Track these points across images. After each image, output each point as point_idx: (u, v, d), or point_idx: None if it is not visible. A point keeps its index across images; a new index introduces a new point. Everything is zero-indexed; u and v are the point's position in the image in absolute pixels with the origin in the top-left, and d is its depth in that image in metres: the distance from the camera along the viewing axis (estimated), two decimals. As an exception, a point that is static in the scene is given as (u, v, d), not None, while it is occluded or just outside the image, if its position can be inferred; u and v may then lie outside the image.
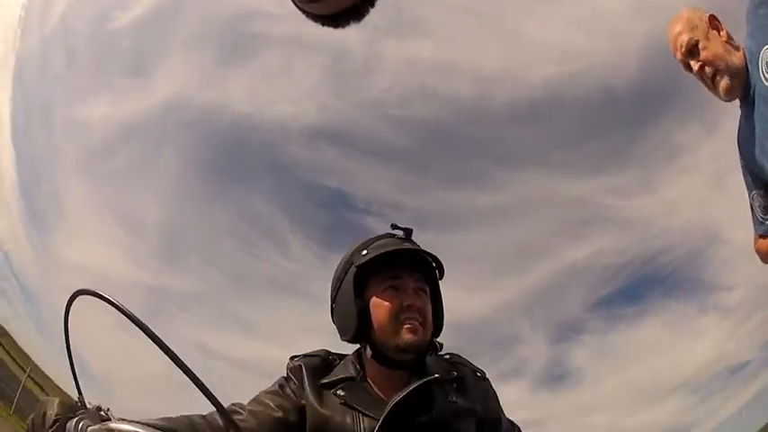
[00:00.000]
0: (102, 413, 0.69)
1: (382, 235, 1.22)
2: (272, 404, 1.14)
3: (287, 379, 1.21)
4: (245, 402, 1.15)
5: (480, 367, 1.28)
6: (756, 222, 1.78)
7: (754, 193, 1.73)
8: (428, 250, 1.18)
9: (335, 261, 1.25)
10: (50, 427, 0.67)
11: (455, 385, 1.19)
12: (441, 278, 1.22)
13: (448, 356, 1.28)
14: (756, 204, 1.74)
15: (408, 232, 1.20)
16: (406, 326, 1.11)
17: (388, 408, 1.07)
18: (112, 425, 0.63)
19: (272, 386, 1.20)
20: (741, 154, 1.73)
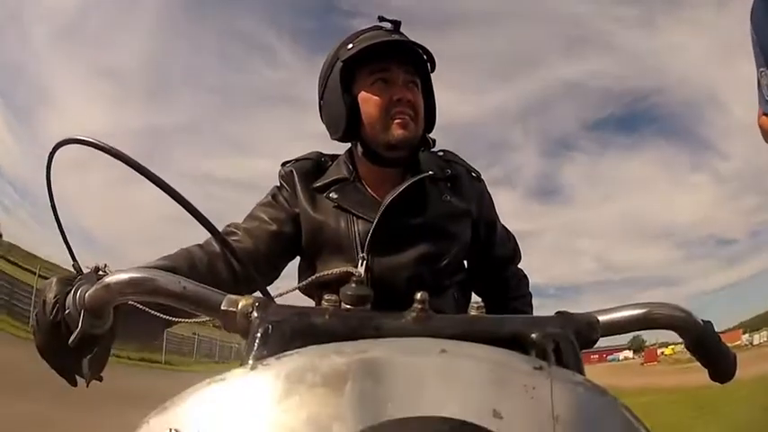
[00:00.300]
0: (100, 272, 0.66)
1: (369, 28, 1.12)
2: (266, 217, 1.11)
3: (279, 188, 1.17)
4: (242, 220, 1.13)
5: (475, 167, 1.25)
6: (762, 100, 1.76)
7: (763, 70, 1.70)
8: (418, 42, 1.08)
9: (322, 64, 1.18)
10: (50, 314, 0.64)
11: (449, 184, 1.15)
12: (432, 71, 1.13)
13: (441, 153, 1.23)
14: (765, 82, 1.71)
15: (397, 24, 1.10)
16: (396, 120, 1.05)
17: (382, 208, 1.05)
18: (108, 279, 0.61)
19: (266, 197, 1.17)
20: (755, 31, 1.69)
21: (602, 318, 0.57)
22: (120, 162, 0.66)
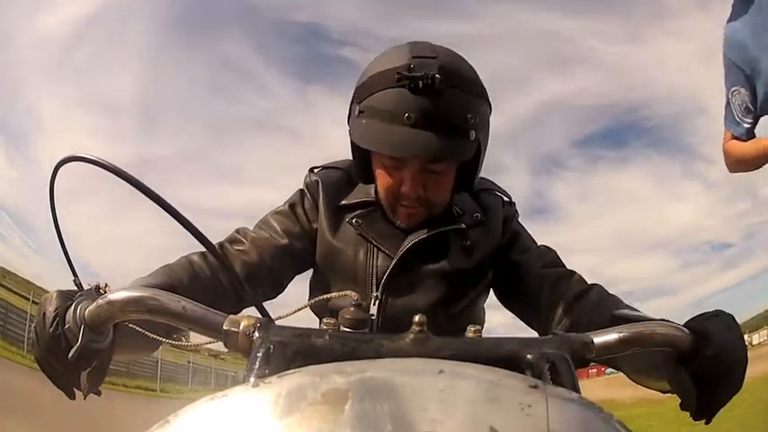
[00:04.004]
0: (100, 291, 0.67)
1: (398, 75, 0.85)
2: (278, 228, 1.03)
3: (302, 195, 1.08)
4: (253, 226, 1.06)
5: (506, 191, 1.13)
6: (731, 121, 1.72)
7: (735, 89, 1.66)
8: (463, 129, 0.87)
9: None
10: (50, 327, 0.63)
11: (477, 228, 1.04)
12: (479, 131, 0.91)
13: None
14: (736, 102, 1.67)
15: (430, 82, 0.84)
16: (404, 209, 0.97)
17: (401, 251, 0.98)
18: (109, 296, 0.61)
19: (284, 205, 1.08)
20: (729, 47, 1.67)
21: (597, 338, 0.58)
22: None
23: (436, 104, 0.85)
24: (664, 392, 0.73)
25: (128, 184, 0.65)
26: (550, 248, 1.10)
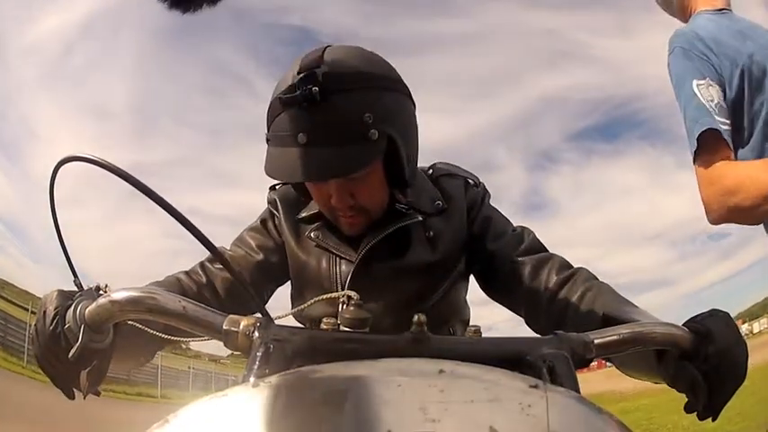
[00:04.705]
0: (101, 292, 0.67)
1: (281, 94, 0.82)
2: (253, 244, 1.06)
3: (270, 212, 1.09)
4: (230, 244, 1.08)
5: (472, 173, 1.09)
6: (703, 113, 1.26)
7: (701, 82, 1.31)
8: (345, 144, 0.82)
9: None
10: (50, 326, 0.64)
11: (440, 216, 1.01)
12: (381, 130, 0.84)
13: (431, 171, 1.08)
14: (705, 95, 1.30)
15: (312, 98, 0.78)
16: (343, 219, 0.95)
17: (361, 252, 0.97)
18: (109, 296, 0.62)
19: (256, 221, 1.11)
20: (689, 41, 1.37)
21: (597, 338, 0.58)
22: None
23: (325, 116, 0.80)
24: (657, 383, 0.73)
25: (127, 186, 0.65)
26: (527, 230, 1.06)
